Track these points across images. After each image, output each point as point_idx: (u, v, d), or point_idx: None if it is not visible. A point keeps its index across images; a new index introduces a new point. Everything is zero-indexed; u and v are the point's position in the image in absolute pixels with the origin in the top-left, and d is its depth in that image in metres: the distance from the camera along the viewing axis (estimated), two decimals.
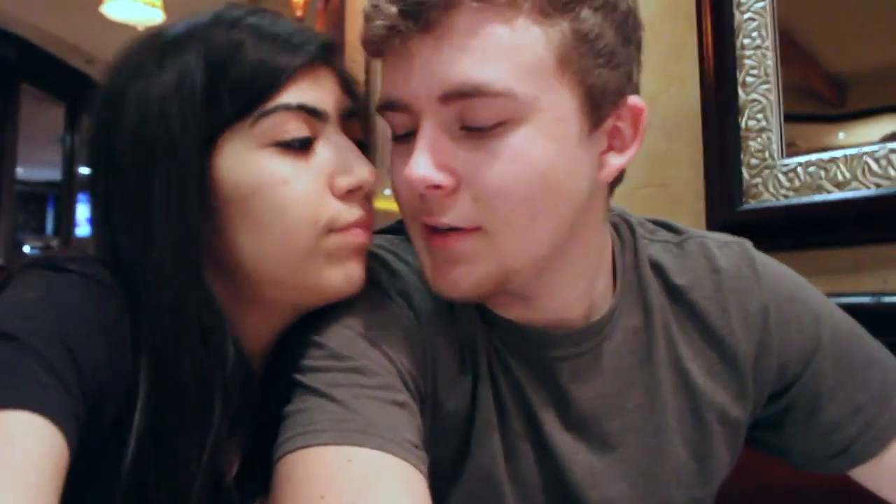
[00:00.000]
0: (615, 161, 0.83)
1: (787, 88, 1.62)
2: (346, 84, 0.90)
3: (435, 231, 0.81)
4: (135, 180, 0.80)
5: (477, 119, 0.76)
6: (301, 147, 0.83)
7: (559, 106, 0.77)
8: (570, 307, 0.90)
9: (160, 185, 0.79)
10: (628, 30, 0.80)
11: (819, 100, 1.65)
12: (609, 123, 0.81)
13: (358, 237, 0.86)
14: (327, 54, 0.87)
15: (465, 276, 0.81)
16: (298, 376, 0.81)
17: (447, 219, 0.79)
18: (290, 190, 0.82)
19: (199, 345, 0.79)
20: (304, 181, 0.83)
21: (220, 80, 0.81)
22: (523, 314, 0.89)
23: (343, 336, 0.82)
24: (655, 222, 1.01)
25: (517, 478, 0.90)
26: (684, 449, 0.94)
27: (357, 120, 0.90)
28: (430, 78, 0.76)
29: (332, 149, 0.85)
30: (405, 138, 0.82)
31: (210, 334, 0.81)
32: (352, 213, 0.85)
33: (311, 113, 0.83)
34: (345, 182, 0.85)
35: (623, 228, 0.98)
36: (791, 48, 1.63)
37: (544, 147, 0.76)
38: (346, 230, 0.85)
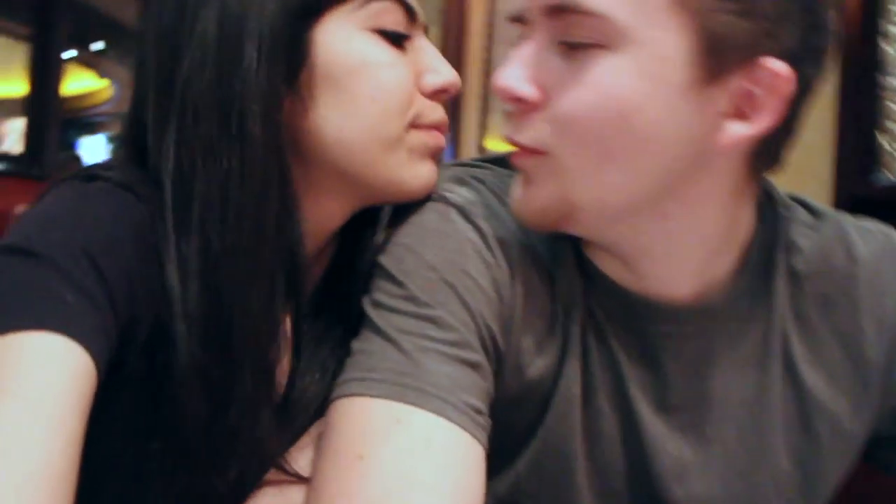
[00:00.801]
0: (737, 129, 0.72)
1: None
2: None
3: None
4: (217, 59, 0.77)
5: (572, 37, 0.72)
6: (397, 41, 0.83)
7: (665, 44, 0.69)
8: (677, 282, 0.82)
9: (248, 57, 0.78)
10: None
11: None
12: (735, 83, 0.71)
13: (438, 139, 0.86)
14: None
15: (528, 198, 0.78)
16: (369, 310, 0.77)
17: (519, 136, 0.77)
18: (393, 74, 0.82)
19: (273, 227, 0.77)
20: (405, 70, 0.83)
21: None
22: (627, 278, 0.82)
23: (425, 278, 0.77)
24: (794, 199, 0.90)
25: (595, 458, 0.84)
26: (788, 456, 0.85)
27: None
28: None
29: (422, 49, 0.86)
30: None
31: (283, 218, 0.79)
32: (436, 112, 0.85)
33: (408, 11, 0.84)
34: (434, 80, 0.85)
35: (766, 206, 0.87)
36: None
37: (633, 83, 0.70)
38: (428, 129, 0.85)
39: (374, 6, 0.81)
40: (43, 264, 0.63)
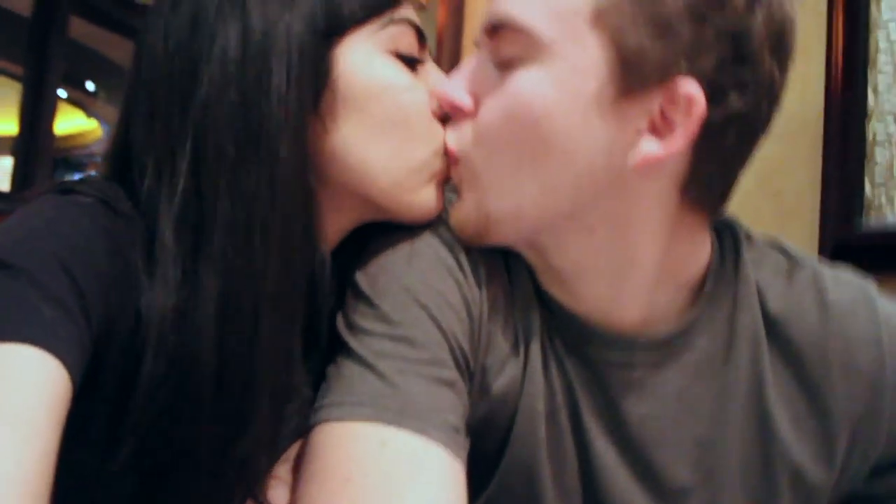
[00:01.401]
0: (648, 147, 0.72)
1: None
2: None
3: None
4: (241, 78, 0.76)
5: (504, 53, 0.76)
6: (412, 64, 0.84)
7: (582, 58, 0.71)
8: (618, 308, 0.81)
9: (276, 76, 0.76)
10: (706, 9, 0.70)
11: None
12: (653, 104, 0.71)
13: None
14: None
15: (454, 208, 0.82)
16: (345, 333, 0.77)
17: (448, 139, 0.82)
18: (413, 98, 0.82)
19: (299, 252, 0.77)
20: (421, 93, 0.83)
21: None
22: (572, 302, 0.82)
23: (398, 299, 0.77)
24: (769, 243, 0.90)
25: (559, 479, 0.83)
26: (744, 498, 0.83)
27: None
28: (486, 14, 0.78)
29: (432, 73, 0.86)
30: None
31: (307, 242, 0.78)
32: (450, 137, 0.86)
33: (419, 35, 0.85)
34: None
35: (727, 240, 0.87)
36: None
37: (548, 92, 0.72)
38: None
39: (392, 29, 0.81)
40: (18, 276, 0.62)
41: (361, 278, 0.81)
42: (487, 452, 0.83)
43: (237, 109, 0.75)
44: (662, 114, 0.71)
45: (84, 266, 0.67)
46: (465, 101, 0.79)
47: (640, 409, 0.82)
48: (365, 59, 0.80)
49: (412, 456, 0.68)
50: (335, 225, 0.85)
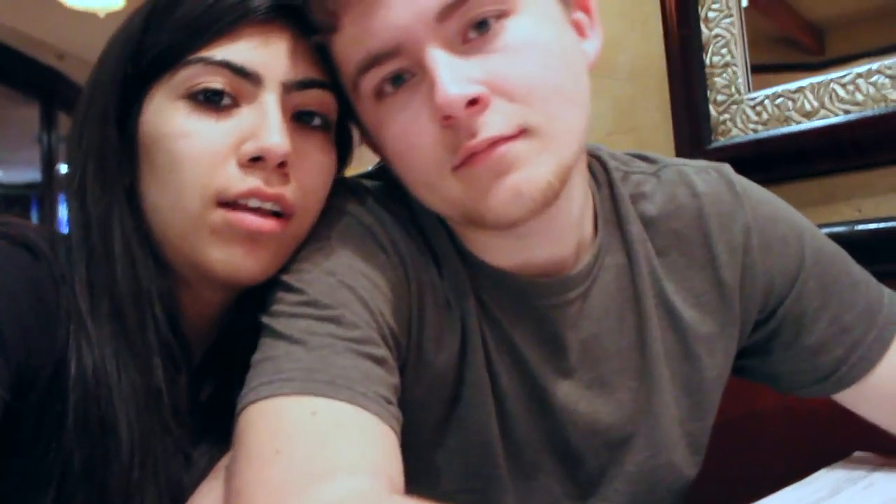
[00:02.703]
0: (589, 48, 0.83)
1: (760, 38, 1.59)
2: (314, 52, 0.83)
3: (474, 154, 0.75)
4: (77, 126, 0.82)
5: (477, 19, 0.74)
6: (216, 105, 0.78)
7: None
8: (565, 245, 0.88)
9: (90, 122, 0.80)
10: None
11: (796, 48, 1.61)
12: (574, 13, 0.82)
13: (246, 222, 0.78)
14: (285, 16, 0.80)
15: (527, 182, 0.74)
16: (269, 321, 0.77)
17: (490, 131, 0.73)
18: (188, 146, 0.77)
19: (130, 300, 0.78)
20: (206, 140, 0.78)
21: (155, 29, 0.79)
22: (516, 259, 0.87)
23: (324, 283, 0.78)
24: (630, 154, 1.00)
25: (510, 438, 0.88)
26: (674, 383, 0.93)
27: (321, 93, 0.83)
28: (418, 1, 0.72)
29: (255, 114, 0.79)
30: (396, 86, 0.77)
31: (137, 291, 0.79)
32: (245, 182, 0.77)
33: (237, 72, 0.78)
34: (247, 147, 0.78)
35: (596, 166, 0.95)
36: None
37: (549, 30, 0.76)
38: (236, 209, 0.78)
39: (183, 73, 0.77)
40: None
41: (285, 276, 0.80)
42: (432, 424, 0.86)
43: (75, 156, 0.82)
44: (575, 22, 0.82)
45: (2, 307, 0.67)
46: (479, 89, 0.73)
47: (582, 335, 0.89)
48: (157, 109, 0.79)
49: (343, 423, 0.68)
50: (203, 295, 0.85)
